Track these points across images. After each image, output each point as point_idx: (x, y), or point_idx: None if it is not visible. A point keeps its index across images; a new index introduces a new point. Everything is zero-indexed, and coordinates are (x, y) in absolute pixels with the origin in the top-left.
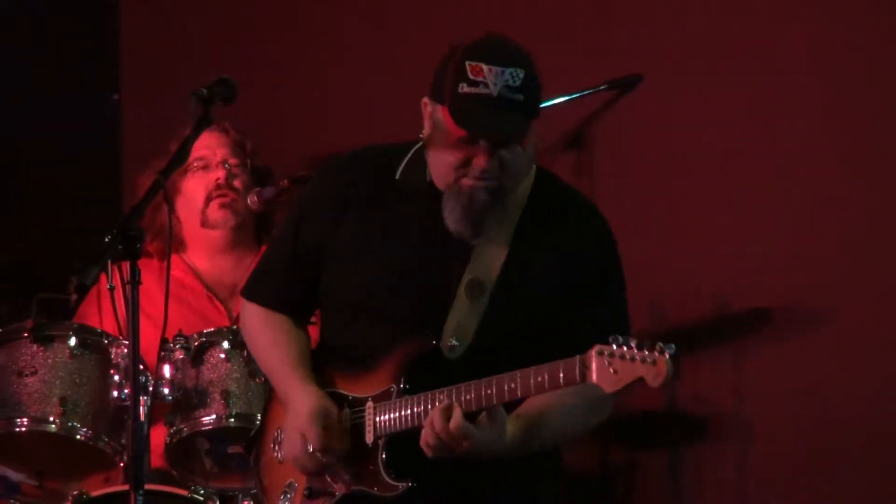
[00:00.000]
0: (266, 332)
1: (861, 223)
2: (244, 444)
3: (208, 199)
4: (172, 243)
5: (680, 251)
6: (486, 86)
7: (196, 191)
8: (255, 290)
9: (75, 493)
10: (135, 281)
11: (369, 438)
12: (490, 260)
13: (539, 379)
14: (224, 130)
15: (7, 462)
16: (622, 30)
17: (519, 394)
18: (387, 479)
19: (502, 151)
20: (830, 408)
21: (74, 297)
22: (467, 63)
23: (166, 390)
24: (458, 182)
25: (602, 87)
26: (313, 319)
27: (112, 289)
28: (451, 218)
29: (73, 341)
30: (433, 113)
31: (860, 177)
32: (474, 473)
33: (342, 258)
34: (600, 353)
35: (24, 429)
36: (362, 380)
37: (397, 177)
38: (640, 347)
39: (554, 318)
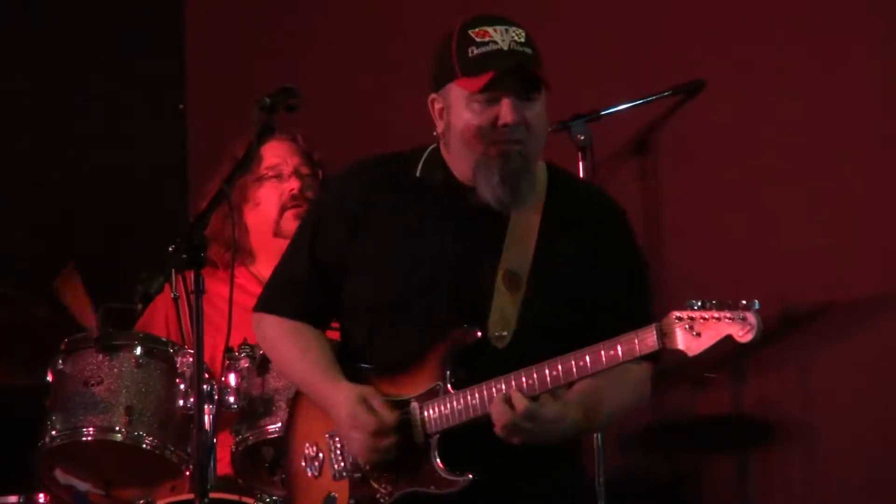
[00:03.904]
0: (293, 342)
1: None
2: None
3: (283, 210)
4: (240, 254)
5: (744, 255)
6: (496, 42)
7: (269, 201)
8: (274, 303)
9: (142, 502)
10: (199, 290)
11: (419, 437)
12: (522, 251)
13: (612, 352)
14: (293, 139)
15: (74, 471)
16: (685, 36)
17: (590, 369)
18: (444, 475)
19: (525, 111)
20: None
21: (139, 306)
22: (469, 32)
23: (232, 399)
24: (488, 151)
25: (665, 93)
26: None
27: (176, 298)
28: (489, 187)
29: (138, 350)
30: (445, 97)
31: None
32: (528, 464)
33: (369, 261)
34: (680, 319)
35: (90, 438)
36: (401, 381)
37: (417, 174)
38: (720, 307)
39: (591, 301)
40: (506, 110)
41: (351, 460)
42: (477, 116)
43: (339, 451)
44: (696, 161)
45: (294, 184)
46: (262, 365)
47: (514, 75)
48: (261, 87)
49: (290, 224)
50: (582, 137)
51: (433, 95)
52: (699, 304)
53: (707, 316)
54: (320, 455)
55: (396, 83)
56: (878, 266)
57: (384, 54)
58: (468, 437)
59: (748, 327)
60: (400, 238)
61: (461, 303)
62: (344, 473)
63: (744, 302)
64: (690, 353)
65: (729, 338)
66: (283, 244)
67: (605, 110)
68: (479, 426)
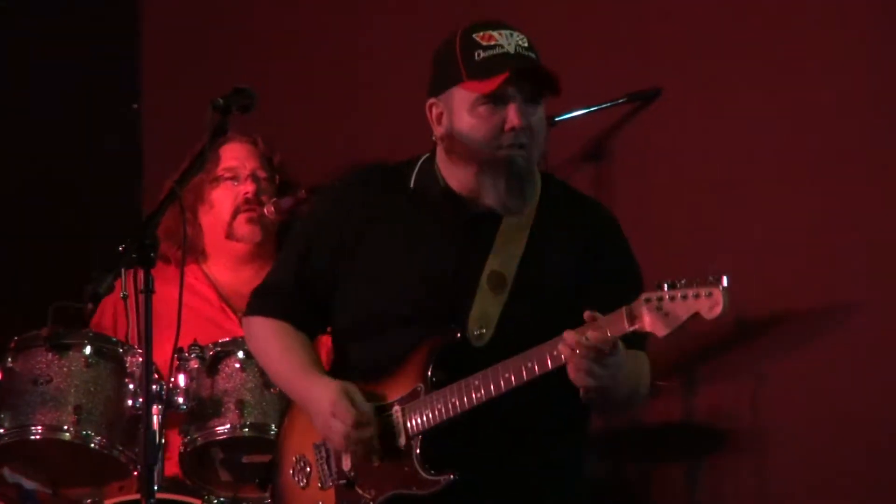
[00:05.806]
0: (277, 340)
1: (884, 234)
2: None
3: (236, 213)
4: (193, 253)
5: (697, 263)
6: (502, 46)
7: (224, 203)
8: (261, 306)
9: (90, 501)
10: (148, 290)
11: (402, 440)
12: (509, 253)
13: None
14: (253, 142)
15: (22, 470)
16: (641, 43)
17: (563, 358)
18: (425, 475)
19: (530, 115)
20: (850, 419)
21: (89, 305)
22: (474, 36)
23: (181, 399)
24: (494, 155)
25: (621, 100)
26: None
27: (125, 297)
28: (494, 191)
29: (88, 350)
30: (447, 102)
31: (880, 185)
32: (511, 464)
33: (366, 275)
34: (648, 300)
35: (38, 437)
36: (384, 386)
37: (412, 185)
38: (689, 285)
39: (574, 307)
40: (513, 114)
41: (336, 468)
42: (483, 120)
43: (325, 461)
44: (651, 169)
45: (249, 187)
46: (212, 366)
47: (523, 78)
48: (217, 85)
49: (243, 228)
50: None
51: (432, 100)
52: (668, 283)
53: (675, 295)
54: (308, 467)
55: (359, 84)
56: (831, 276)
57: (346, 53)
58: (452, 438)
59: (713, 304)
60: (396, 252)
61: (445, 303)
62: (330, 482)
63: (711, 278)
64: (660, 334)
65: (697, 315)
66: (235, 247)
67: (560, 116)
68: (462, 426)
